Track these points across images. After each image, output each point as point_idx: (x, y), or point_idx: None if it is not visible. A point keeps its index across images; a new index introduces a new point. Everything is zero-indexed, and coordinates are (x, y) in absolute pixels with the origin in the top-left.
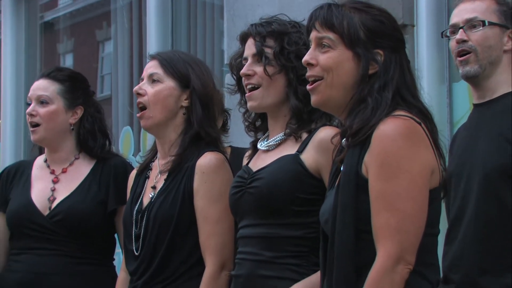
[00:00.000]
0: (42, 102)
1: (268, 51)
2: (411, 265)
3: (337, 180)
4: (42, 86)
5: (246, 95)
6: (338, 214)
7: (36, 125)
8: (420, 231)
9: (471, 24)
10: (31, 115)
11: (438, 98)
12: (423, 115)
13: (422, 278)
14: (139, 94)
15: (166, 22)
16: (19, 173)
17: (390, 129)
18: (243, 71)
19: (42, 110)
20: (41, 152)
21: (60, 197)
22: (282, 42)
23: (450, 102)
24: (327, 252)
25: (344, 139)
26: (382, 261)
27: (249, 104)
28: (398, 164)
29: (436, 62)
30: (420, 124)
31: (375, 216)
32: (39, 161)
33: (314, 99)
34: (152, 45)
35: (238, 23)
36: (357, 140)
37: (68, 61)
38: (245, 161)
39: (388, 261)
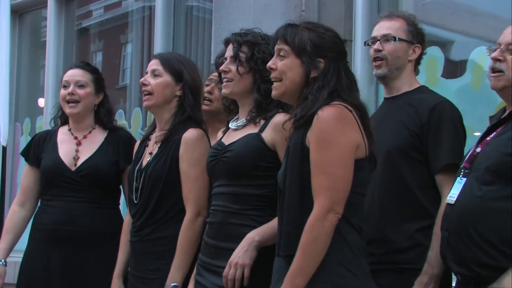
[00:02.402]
0: (80, 85)
1: (242, 55)
2: (340, 214)
3: (287, 152)
4: (79, 74)
5: (223, 84)
6: (288, 175)
7: (75, 101)
8: (347, 189)
9: (386, 38)
10: (72, 94)
11: (368, 96)
12: (355, 106)
13: (348, 223)
14: (143, 84)
15: (168, 31)
16: (48, 138)
17: (326, 113)
18: (221, 67)
19: (81, 91)
20: (62, 124)
21: (83, 156)
22: (253, 50)
23: (376, 98)
24: (281, 204)
25: (292, 122)
26: (316, 211)
27: (223, 91)
28: (330, 139)
29: (367, 68)
30: (351, 111)
31: (313, 178)
32: (63, 129)
33: (273, 93)
34: (158, 48)
35: (223, 33)
36: (299, 123)
37: (98, 58)
38: (219, 135)
39: (321, 211)
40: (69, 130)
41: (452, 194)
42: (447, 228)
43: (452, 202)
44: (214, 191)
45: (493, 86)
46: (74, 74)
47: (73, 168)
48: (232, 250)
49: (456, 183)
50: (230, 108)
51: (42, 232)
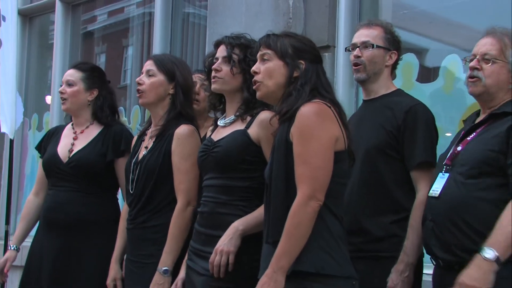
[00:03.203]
0: (69, 84)
1: (235, 57)
2: (321, 201)
3: (273, 146)
4: (70, 73)
5: (212, 80)
6: (274, 167)
7: (64, 99)
8: (327, 178)
9: (364, 45)
10: (61, 92)
11: (348, 98)
12: (333, 103)
13: (329, 211)
14: (138, 83)
15: (166, 36)
16: (56, 133)
17: (307, 109)
18: (214, 66)
19: (68, 89)
20: (70, 119)
21: (76, 149)
22: (246, 53)
23: (356, 100)
24: (268, 195)
25: (278, 117)
26: (299, 198)
27: (212, 86)
28: (311, 133)
29: (348, 72)
30: (330, 107)
31: (296, 169)
32: (69, 125)
33: (258, 94)
34: (157, 50)
35: (216, 38)
36: (284, 118)
37: (101, 59)
38: (208, 133)
39: (304, 198)
40: (72, 126)
41: (435, 188)
42: (431, 219)
43: (436, 195)
44: (205, 183)
45: (472, 91)
46: (67, 73)
47: (65, 160)
48: (220, 237)
49: (438, 178)
50: (216, 106)
51: (41, 219)
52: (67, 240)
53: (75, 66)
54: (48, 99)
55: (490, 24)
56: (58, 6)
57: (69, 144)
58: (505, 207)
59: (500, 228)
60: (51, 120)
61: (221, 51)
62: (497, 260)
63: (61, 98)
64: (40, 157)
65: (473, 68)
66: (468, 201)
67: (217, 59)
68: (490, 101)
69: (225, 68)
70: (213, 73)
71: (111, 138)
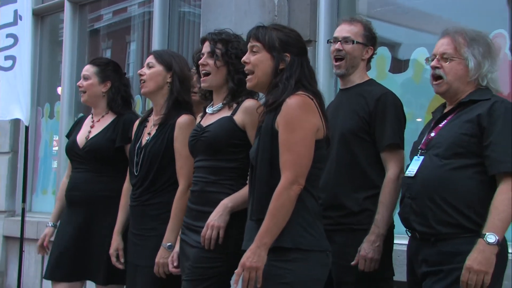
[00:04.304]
0: (85, 78)
1: (218, 51)
2: (302, 185)
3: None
4: (86, 68)
5: (201, 79)
6: (259, 152)
7: (83, 92)
8: (308, 164)
9: (346, 40)
10: (80, 86)
11: (328, 87)
12: (315, 95)
13: (309, 194)
14: (140, 75)
15: (164, 32)
16: (80, 122)
17: (292, 101)
18: (200, 61)
19: (85, 83)
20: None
21: (91, 136)
22: (227, 46)
23: (335, 89)
24: (252, 176)
25: (264, 107)
26: (283, 182)
27: (202, 84)
28: (296, 123)
29: (328, 64)
30: (312, 99)
31: (281, 156)
32: (90, 115)
33: (248, 85)
34: (156, 46)
35: None
36: (271, 107)
37: (107, 54)
38: (198, 119)
39: (287, 182)
40: (91, 115)
41: (411, 169)
42: (410, 196)
43: (413, 175)
44: (195, 165)
45: (437, 92)
46: (84, 69)
47: (82, 146)
48: (210, 213)
49: (414, 161)
50: (206, 96)
51: (65, 198)
52: (84, 214)
53: (91, 62)
54: (59, 90)
55: (455, 20)
56: (67, 5)
57: (86, 131)
58: (496, 191)
59: (497, 213)
60: (62, 109)
61: (206, 47)
62: (497, 243)
63: (80, 91)
64: None
65: (434, 67)
66: (443, 179)
67: (203, 54)
68: (454, 95)
69: (210, 62)
70: (200, 68)
71: (121, 126)
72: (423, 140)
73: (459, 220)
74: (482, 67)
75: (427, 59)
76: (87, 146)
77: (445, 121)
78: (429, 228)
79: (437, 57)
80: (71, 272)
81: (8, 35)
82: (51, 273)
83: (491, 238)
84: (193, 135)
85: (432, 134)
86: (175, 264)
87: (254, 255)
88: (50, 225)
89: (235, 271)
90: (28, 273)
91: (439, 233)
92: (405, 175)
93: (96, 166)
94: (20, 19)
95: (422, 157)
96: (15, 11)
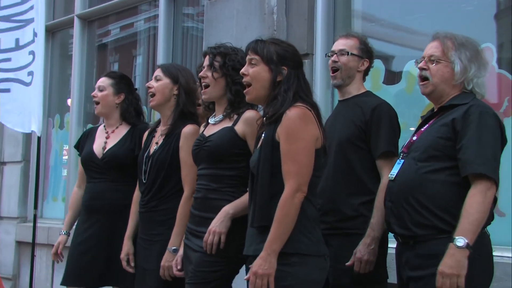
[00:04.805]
0: (101, 89)
1: (216, 64)
2: (305, 193)
3: (260, 143)
4: (102, 80)
5: (202, 91)
6: (261, 162)
7: (97, 102)
8: (310, 173)
9: (341, 52)
10: (94, 96)
11: (325, 98)
12: (312, 106)
13: (308, 201)
14: (148, 87)
15: (169, 46)
16: (90, 134)
17: (292, 113)
18: (200, 74)
19: (100, 94)
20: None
21: (108, 146)
22: (225, 59)
23: (332, 100)
24: (253, 185)
25: (265, 119)
26: (287, 191)
27: (203, 96)
28: (297, 134)
29: (325, 76)
30: (310, 111)
31: (284, 165)
32: (101, 127)
33: (247, 98)
34: (160, 59)
35: None
36: (271, 120)
37: (115, 67)
38: (201, 129)
39: (291, 191)
40: (104, 127)
41: (393, 172)
42: (390, 199)
43: (393, 179)
44: (198, 173)
45: (423, 92)
46: (99, 80)
47: (100, 156)
48: (212, 219)
49: (396, 164)
50: (209, 107)
51: (82, 207)
52: (105, 222)
53: (106, 74)
54: (69, 101)
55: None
56: (76, 22)
57: (102, 142)
58: (467, 194)
59: (467, 216)
60: (71, 119)
61: (206, 60)
62: (467, 246)
63: (94, 102)
64: (79, 155)
65: (421, 69)
66: (419, 181)
67: (203, 67)
68: (439, 97)
69: (209, 74)
70: (201, 80)
71: (138, 136)
72: (405, 144)
73: (434, 221)
74: (468, 71)
75: (416, 61)
76: (106, 156)
77: (427, 125)
78: (407, 231)
79: (425, 59)
80: (91, 278)
81: (29, 52)
82: (72, 279)
83: (460, 242)
84: (196, 144)
85: (414, 138)
86: (178, 267)
87: (265, 262)
88: (63, 233)
89: (245, 278)
90: (39, 277)
91: (417, 235)
92: (388, 178)
93: (115, 176)
94: (36, 36)
95: (402, 161)
96: (34, 29)
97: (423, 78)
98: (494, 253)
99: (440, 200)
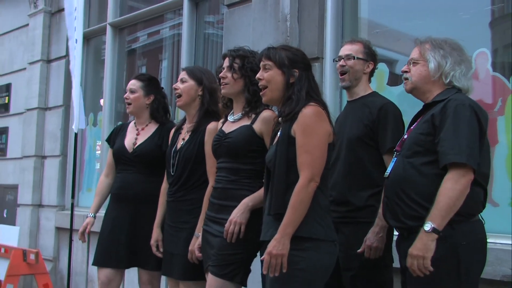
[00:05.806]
0: (132, 91)
1: (236, 65)
2: (318, 183)
3: (276, 139)
4: (132, 83)
5: (221, 87)
6: (278, 156)
7: (129, 103)
8: (323, 165)
9: (348, 57)
10: (126, 98)
11: (334, 99)
12: (323, 105)
13: (321, 192)
14: (175, 89)
15: (191, 51)
16: (122, 129)
17: (308, 110)
18: (220, 75)
19: (131, 96)
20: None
21: (138, 142)
22: (244, 61)
23: (340, 100)
24: (269, 178)
25: (280, 118)
26: (302, 180)
27: (222, 91)
28: (312, 129)
29: (334, 79)
30: (323, 109)
31: (299, 157)
32: (132, 123)
33: (263, 99)
34: (184, 63)
35: None
36: (287, 118)
37: (142, 71)
38: (219, 125)
39: (305, 180)
40: (134, 124)
41: (387, 170)
42: (385, 195)
43: (387, 176)
44: (218, 165)
45: (406, 91)
46: (130, 83)
47: (131, 151)
48: (230, 206)
49: (391, 162)
50: (227, 105)
51: (112, 195)
52: (134, 209)
53: (136, 77)
54: (101, 101)
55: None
56: (109, 29)
57: (133, 138)
58: (441, 183)
59: (437, 203)
60: (104, 118)
61: (226, 62)
62: (434, 230)
63: (126, 103)
64: (110, 147)
65: (403, 72)
66: (406, 176)
67: (223, 68)
68: (422, 94)
69: (229, 75)
70: (221, 80)
71: (165, 133)
72: (399, 142)
73: (422, 213)
74: (442, 66)
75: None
76: (137, 151)
77: (416, 123)
78: (400, 223)
79: (407, 63)
80: (119, 260)
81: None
82: (101, 260)
83: (427, 226)
84: (216, 140)
85: (405, 136)
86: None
87: (279, 244)
88: (91, 215)
89: (261, 258)
90: (76, 259)
91: (409, 227)
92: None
93: (142, 169)
94: (76, 43)
95: (395, 159)
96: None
97: (405, 79)
98: (488, 240)
99: (425, 193)
